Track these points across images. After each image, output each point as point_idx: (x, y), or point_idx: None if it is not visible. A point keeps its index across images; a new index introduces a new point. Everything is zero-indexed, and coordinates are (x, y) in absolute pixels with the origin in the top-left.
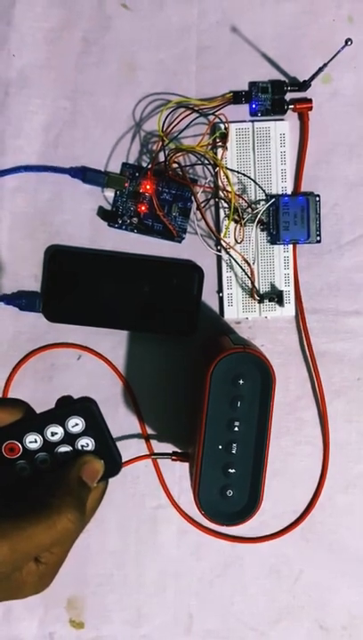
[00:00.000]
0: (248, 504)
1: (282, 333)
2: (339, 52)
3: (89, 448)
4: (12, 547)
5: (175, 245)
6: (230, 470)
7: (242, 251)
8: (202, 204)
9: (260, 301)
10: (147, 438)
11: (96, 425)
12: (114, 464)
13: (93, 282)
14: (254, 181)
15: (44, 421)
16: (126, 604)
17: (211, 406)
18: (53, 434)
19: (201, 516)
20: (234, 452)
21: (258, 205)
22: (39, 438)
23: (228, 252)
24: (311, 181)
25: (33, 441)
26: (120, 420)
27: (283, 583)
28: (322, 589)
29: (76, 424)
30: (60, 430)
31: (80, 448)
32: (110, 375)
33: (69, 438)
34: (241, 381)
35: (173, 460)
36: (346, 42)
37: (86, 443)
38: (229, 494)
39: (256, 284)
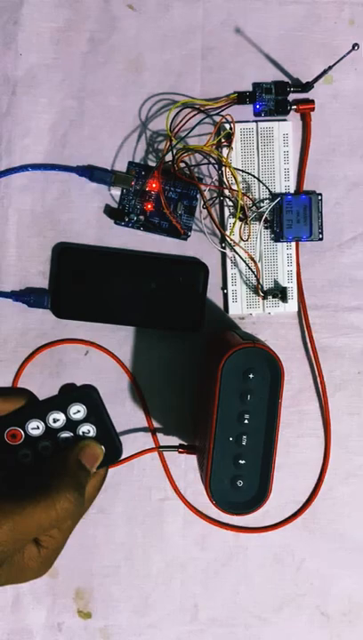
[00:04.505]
0: (258, 494)
1: (285, 329)
2: (345, 55)
3: (90, 434)
4: (14, 526)
5: (181, 243)
6: (241, 461)
7: (246, 248)
8: (208, 202)
9: (264, 298)
10: (153, 432)
11: (97, 412)
12: (114, 450)
13: (100, 279)
14: (261, 181)
15: (47, 408)
16: (133, 594)
17: (222, 399)
18: (55, 420)
19: (208, 506)
20: (244, 443)
21: (262, 204)
22: (41, 425)
23: (233, 250)
24: (313, 180)
25: (35, 427)
26: (127, 413)
27: (285, 572)
28: (323, 577)
29: (77, 411)
30: (61, 417)
31: (81, 434)
32: (117, 370)
33: (71, 425)
34: (251, 375)
35: (179, 452)
36: (353, 46)
37: (88, 429)
38: (239, 484)
39: (260, 281)
